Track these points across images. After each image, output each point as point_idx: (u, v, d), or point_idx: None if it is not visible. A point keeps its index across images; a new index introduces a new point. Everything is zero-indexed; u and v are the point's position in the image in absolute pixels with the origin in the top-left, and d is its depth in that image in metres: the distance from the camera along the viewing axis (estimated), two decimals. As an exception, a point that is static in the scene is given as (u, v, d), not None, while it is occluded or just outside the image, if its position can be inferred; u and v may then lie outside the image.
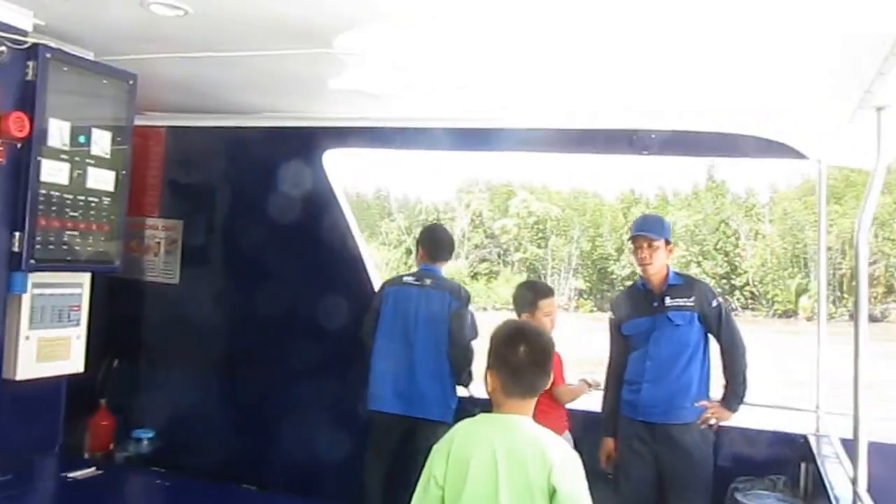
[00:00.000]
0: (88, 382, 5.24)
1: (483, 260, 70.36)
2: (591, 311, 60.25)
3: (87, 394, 5.27)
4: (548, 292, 4.78)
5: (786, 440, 4.80)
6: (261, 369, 5.37)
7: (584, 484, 2.53)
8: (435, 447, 2.70)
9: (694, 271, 63.54)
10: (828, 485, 3.67)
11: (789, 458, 4.66)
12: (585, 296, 64.36)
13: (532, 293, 4.72)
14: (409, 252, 73.97)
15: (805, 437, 4.69)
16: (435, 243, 5.07)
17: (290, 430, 5.13)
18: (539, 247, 67.98)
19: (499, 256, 76.54)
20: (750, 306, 60.95)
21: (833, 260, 59.87)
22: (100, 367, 5.43)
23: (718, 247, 64.38)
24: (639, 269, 4.69)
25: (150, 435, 5.46)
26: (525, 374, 2.67)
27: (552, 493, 2.46)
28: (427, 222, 78.22)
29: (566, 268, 68.00)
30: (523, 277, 73.08)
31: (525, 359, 2.66)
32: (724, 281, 63.98)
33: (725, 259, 63.73)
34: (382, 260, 70.75)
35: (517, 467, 2.52)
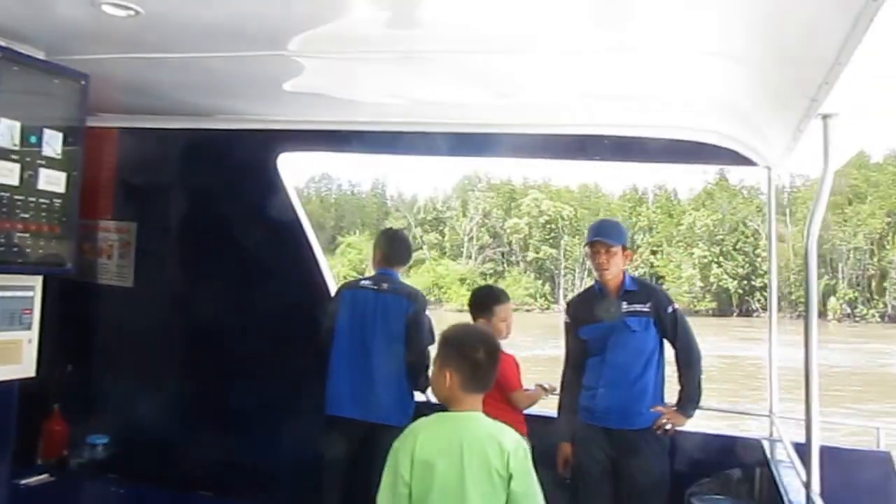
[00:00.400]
0: (41, 387, 5.16)
1: (490, 260, 69.75)
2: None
3: (39, 399, 5.18)
4: (504, 298, 4.81)
5: (741, 445, 4.84)
6: (216, 374, 5.32)
7: (533, 469, 2.76)
8: (396, 447, 2.79)
9: (715, 272, 63.83)
10: (782, 489, 3.71)
11: (744, 463, 4.69)
12: (596, 297, 65.06)
13: (489, 299, 4.76)
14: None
15: (760, 442, 4.74)
16: (393, 248, 5.06)
17: (247, 436, 5.09)
18: (551, 246, 67.51)
19: (503, 256, 76.02)
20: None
21: (862, 261, 60.48)
22: (53, 371, 5.34)
23: (738, 247, 64.53)
24: (595, 274, 4.72)
25: (105, 441, 5.38)
26: (485, 372, 2.85)
27: (509, 479, 2.67)
28: (427, 221, 78.01)
29: (580, 268, 68.23)
30: (532, 278, 72.94)
31: (485, 358, 2.84)
32: (745, 282, 64.20)
33: (746, 259, 63.87)
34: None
35: (479, 459, 2.69)
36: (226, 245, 5.35)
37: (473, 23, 3.07)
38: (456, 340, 2.94)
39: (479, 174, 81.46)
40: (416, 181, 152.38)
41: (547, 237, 71.78)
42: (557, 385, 4.83)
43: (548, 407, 4.98)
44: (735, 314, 63.54)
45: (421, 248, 75.71)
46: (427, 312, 4.88)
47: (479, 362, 2.84)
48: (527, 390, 4.76)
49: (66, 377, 5.44)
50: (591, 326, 4.65)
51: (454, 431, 2.77)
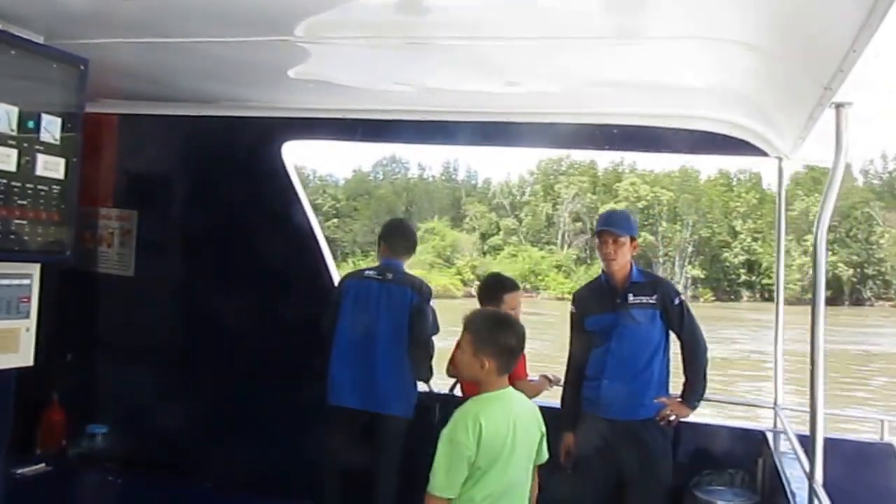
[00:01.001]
0: (40, 377, 5.12)
1: (586, 247, 67.96)
2: (712, 300, 60.12)
3: (38, 388, 5.14)
4: (513, 287, 4.80)
5: (744, 436, 4.85)
6: (217, 363, 5.29)
7: None
8: (457, 431, 2.99)
9: (831, 260, 62.59)
10: (784, 480, 3.70)
11: (747, 454, 4.69)
12: (702, 285, 63.76)
13: (498, 287, 4.73)
14: (483, 236, 72.88)
15: (763, 434, 4.72)
16: (397, 238, 5.03)
17: (248, 426, 5.06)
18: (650, 233, 66.63)
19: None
20: (883, 295, 61.28)
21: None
22: (51, 360, 5.30)
23: (851, 234, 63.92)
24: (602, 264, 4.69)
25: (104, 430, 5.34)
26: (516, 356, 3.20)
27: (541, 438, 3.23)
28: (502, 206, 75.83)
29: (680, 255, 66.83)
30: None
31: (517, 344, 3.15)
32: (858, 270, 63.27)
33: (861, 247, 63.12)
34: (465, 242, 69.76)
35: (526, 429, 3.15)
36: (228, 234, 5.32)
37: (481, 9, 3.02)
38: (490, 328, 3.17)
39: (561, 158, 77.23)
40: (488, 165, 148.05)
41: (644, 223, 66.77)
42: (561, 376, 4.81)
43: (550, 398, 4.95)
44: (847, 303, 61.33)
45: (497, 233, 74.52)
46: (431, 303, 4.86)
47: (513, 348, 3.13)
48: (531, 381, 4.75)
49: (65, 366, 5.41)
50: (596, 317, 4.63)
51: (507, 409, 3.10)
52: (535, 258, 68.95)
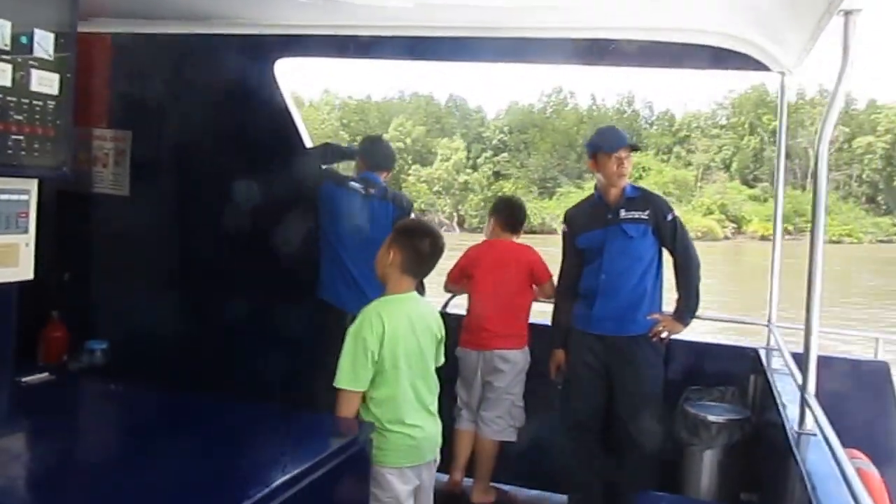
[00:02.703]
0: (39, 295, 5.17)
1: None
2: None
3: (37, 307, 5.20)
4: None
5: (737, 353, 4.90)
6: (215, 281, 5.34)
7: None
8: (363, 329, 3.24)
9: None
10: (776, 393, 3.73)
11: (740, 371, 4.76)
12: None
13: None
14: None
15: (756, 351, 4.77)
16: (374, 152, 5.13)
17: (247, 342, 5.13)
18: None
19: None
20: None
21: None
22: (50, 279, 5.35)
23: None
24: (601, 181, 4.69)
25: (104, 346, 5.41)
26: (425, 262, 3.42)
27: (440, 341, 3.50)
28: (688, 138, 69.25)
29: None
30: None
31: (429, 249, 3.40)
32: None
33: None
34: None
35: (426, 332, 3.42)
36: (221, 153, 5.31)
37: None
38: (410, 230, 3.54)
39: (764, 87, 70.48)
40: (667, 96, 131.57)
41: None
42: None
43: (540, 316, 5.07)
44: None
45: (689, 165, 70.79)
46: (412, 216, 4.92)
47: (423, 252, 3.39)
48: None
49: (63, 285, 5.46)
50: (588, 234, 4.67)
51: (409, 312, 3.37)
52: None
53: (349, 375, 3.20)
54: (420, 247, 3.39)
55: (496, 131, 75.03)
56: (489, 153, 72.99)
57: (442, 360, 3.57)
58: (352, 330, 3.26)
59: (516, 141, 73.97)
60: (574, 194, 43.63)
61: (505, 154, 72.68)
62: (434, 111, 78.69)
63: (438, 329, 3.50)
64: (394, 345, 3.25)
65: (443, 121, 77.68)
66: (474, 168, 71.72)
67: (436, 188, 69.18)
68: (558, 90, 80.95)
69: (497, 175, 70.38)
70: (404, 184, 62.58)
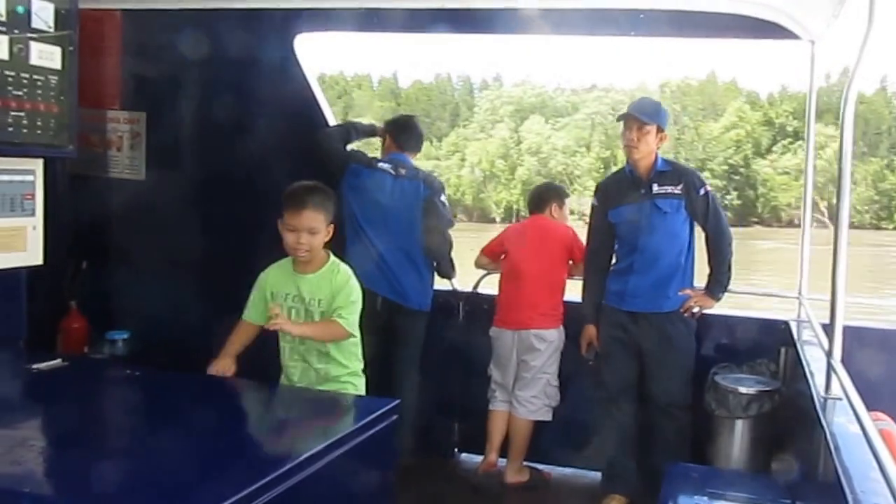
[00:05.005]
0: (57, 285, 5.08)
1: None
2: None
3: (56, 297, 5.11)
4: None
5: (767, 326, 4.84)
6: (235, 265, 5.20)
7: None
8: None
9: None
10: (805, 363, 3.67)
11: (770, 344, 4.69)
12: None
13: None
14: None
15: (786, 323, 4.70)
16: (406, 132, 4.97)
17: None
18: None
19: None
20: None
21: None
22: (67, 268, 5.25)
23: None
24: (623, 152, 4.59)
25: (125, 336, 5.30)
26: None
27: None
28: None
29: None
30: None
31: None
32: None
33: None
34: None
35: None
36: (241, 134, 5.17)
37: None
38: None
39: None
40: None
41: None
42: None
43: (571, 293, 4.99)
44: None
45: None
46: (443, 197, 4.79)
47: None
48: None
49: (81, 274, 5.36)
50: (620, 208, 4.57)
51: None
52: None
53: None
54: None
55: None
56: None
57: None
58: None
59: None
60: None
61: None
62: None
63: None
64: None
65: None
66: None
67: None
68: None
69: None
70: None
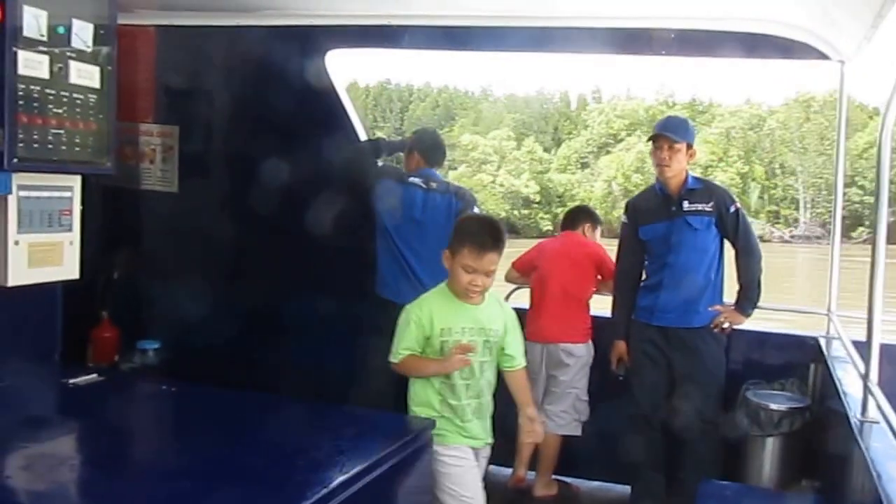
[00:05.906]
0: (88, 296, 5.13)
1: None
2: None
3: (87, 308, 5.15)
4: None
5: (797, 343, 4.84)
6: (267, 276, 5.28)
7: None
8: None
9: None
10: (837, 382, 3.66)
11: (800, 361, 4.69)
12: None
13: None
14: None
15: (815, 339, 4.70)
16: (432, 147, 5.00)
17: (301, 339, 5.05)
18: None
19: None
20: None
21: None
22: (99, 279, 5.30)
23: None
24: (655, 171, 4.61)
25: (156, 346, 5.34)
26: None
27: None
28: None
29: None
30: None
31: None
32: None
33: None
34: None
35: None
36: (273, 148, 5.20)
37: None
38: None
39: None
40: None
41: None
42: None
43: (602, 308, 5.00)
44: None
45: None
46: (476, 210, 4.83)
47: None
48: None
49: (112, 284, 5.40)
50: (651, 226, 4.61)
51: None
52: None
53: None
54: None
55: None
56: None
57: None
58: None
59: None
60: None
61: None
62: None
63: None
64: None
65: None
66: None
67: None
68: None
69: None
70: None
